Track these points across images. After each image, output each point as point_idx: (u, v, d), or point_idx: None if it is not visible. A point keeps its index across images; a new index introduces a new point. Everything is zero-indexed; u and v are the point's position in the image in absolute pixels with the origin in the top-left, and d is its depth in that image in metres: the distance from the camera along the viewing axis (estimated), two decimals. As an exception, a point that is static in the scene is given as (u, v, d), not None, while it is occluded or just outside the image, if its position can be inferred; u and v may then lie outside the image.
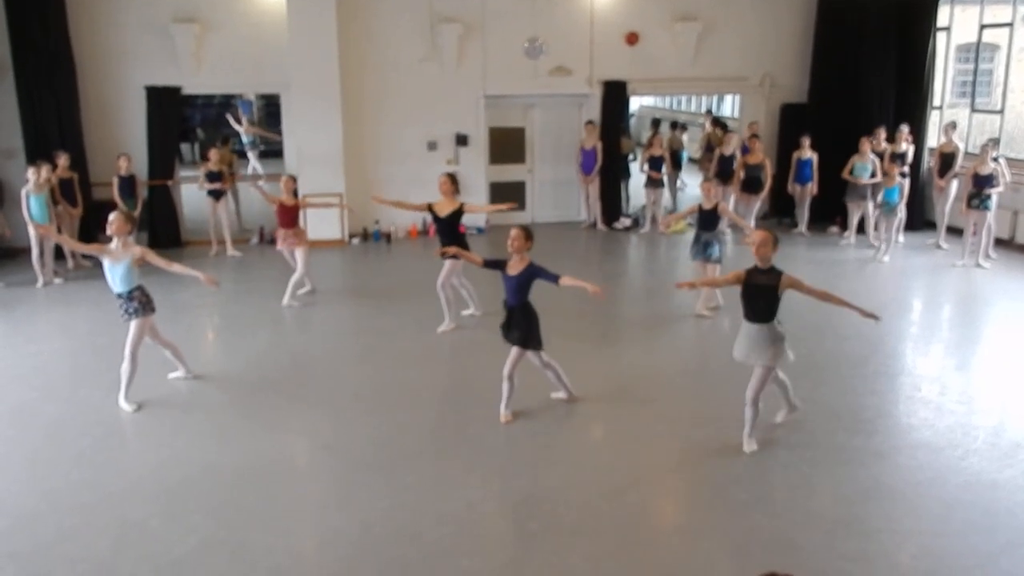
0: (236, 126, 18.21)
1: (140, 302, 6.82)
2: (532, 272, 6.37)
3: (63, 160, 11.23)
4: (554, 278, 6.29)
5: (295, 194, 10.09)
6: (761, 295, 5.86)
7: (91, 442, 6.42)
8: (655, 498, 5.77)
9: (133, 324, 6.84)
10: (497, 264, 6.52)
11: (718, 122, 16.88)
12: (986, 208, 11.11)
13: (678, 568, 4.87)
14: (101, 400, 7.18)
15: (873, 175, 12.41)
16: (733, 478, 5.86)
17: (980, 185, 11.06)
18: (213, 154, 12.60)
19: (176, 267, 6.90)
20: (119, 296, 6.82)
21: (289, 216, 9.74)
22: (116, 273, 6.73)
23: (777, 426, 6.52)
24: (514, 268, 6.40)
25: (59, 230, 10.75)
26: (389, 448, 6.31)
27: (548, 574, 4.79)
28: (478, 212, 8.82)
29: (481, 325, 8.98)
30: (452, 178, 8.73)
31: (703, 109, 22.03)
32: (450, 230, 8.64)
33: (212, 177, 12.31)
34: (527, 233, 6.41)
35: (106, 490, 5.75)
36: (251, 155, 18.61)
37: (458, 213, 8.65)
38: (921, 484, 5.73)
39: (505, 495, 5.69)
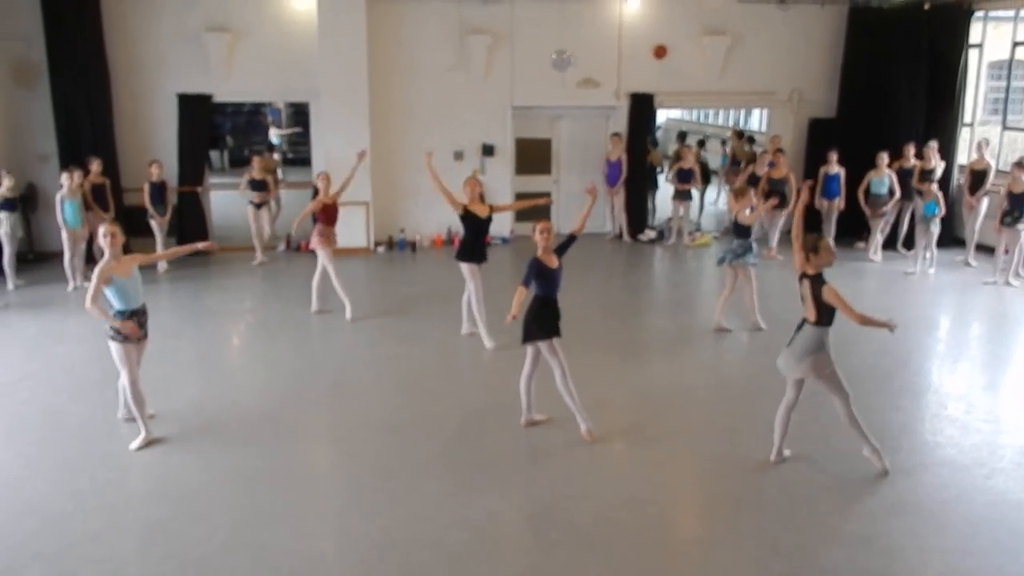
0: (277, 132, 18.30)
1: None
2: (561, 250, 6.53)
3: (96, 166, 11.41)
4: (572, 237, 6.66)
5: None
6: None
7: (118, 444, 6.50)
8: (674, 509, 5.75)
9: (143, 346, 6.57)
10: (532, 270, 6.40)
11: (742, 135, 16.81)
12: (1019, 225, 11.00)
13: (697, 581, 4.85)
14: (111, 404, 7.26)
15: (891, 191, 12.39)
16: (754, 491, 5.82)
17: (1015, 203, 10.95)
18: (256, 162, 12.64)
19: (168, 251, 6.51)
20: (141, 312, 6.43)
21: (330, 213, 9.54)
22: (138, 284, 6.38)
23: (801, 440, 6.46)
24: (555, 261, 6.42)
25: (90, 236, 10.90)
26: (409, 456, 6.33)
27: (566, 583, 4.79)
28: (507, 211, 8.48)
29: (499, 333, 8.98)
30: (476, 182, 8.66)
31: (730, 123, 21.96)
32: (484, 235, 8.55)
33: (255, 186, 12.40)
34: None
35: (131, 491, 5.84)
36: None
37: (490, 218, 8.58)
38: (947, 502, 5.66)
39: (524, 504, 5.69)
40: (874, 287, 11.37)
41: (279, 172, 14.70)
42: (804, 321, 5.86)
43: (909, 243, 13.01)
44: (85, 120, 12.18)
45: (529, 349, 6.55)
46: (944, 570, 4.93)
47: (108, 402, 7.26)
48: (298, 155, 19.02)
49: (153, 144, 12.74)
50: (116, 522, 5.41)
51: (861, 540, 5.20)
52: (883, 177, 12.44)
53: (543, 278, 6.37)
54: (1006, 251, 11.29)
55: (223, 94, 13.18)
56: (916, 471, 6.09)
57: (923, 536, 5.26)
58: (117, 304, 6.27)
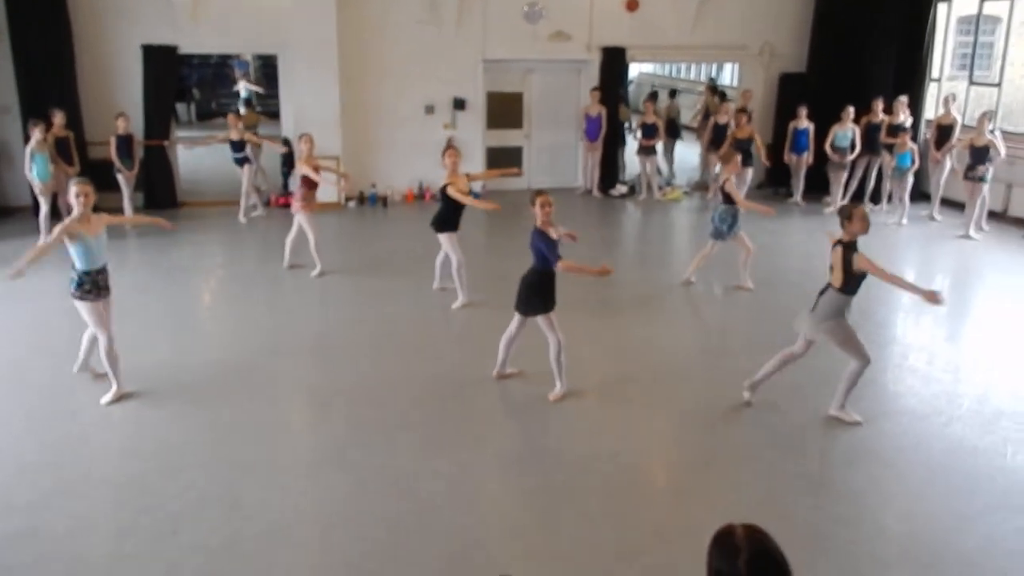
0: (245, 85, 18.00)
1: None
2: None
3: (59, 118, 11.14)
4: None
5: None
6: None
7: (87, 399, 6.49)
8: (647, 460, 5.87)
9: (109, 302, 6.40)
10: (545, 242, 6.26)
11: (715, 90, 16.82)
12: (982, 180, 11.18)
13: (667, 526, 4.99)
14: (98, 357, 7.24)
15: (853, 144, 12.52)
16: (723, 441, 5.97)
17: (976, 157, 11.11)
18: (232, 120, 12.34)
19: (131, 218, 6.24)
20: (101, 272, 6.26)
21: (312, 181, 9.46)
22: (101, 245, 6.23)
23: (770, 390, 6.60)
24: (555, 233, 6.30)
25: (55, 191, 10.75)
26: (384, 408, 6.39)
27: (540, 530, 4.90)
28: (480, 180, 8.28)
29: (479, 291, 9.02)
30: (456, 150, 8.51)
31: (703, 77, 21.94)
32: (462, 207, 8.39)
33: (236, 147, 12.16)
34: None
35: (103, 446, 5.85)
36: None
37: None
38: (906, 449, 5.84)
39: (498, 456, 5.78)
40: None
41: (258, 125, 14.42)
42: (828, 286, 5.92)
43: (876, 198, 13.18)
44: (46, 71, 11.87)
45: (517, 315, 6.52)
46: (902, 515, 5.10)
47: (76, 357, 7.23)
48: (267, 108, 18.70)
49: (118, 96, 12.49)
50: (89, 476, 5.43)
51: (825, 487, 5.38)
52: (847, 130, 12.58)
53: (550, 250, 6.20)
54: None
55: (189, 46, 12.90)
56: (878, 420, 6.26)
57: (883, 482, 5.44)
58: (80, 264, 6.16)
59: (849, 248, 5.79)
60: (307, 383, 6.97)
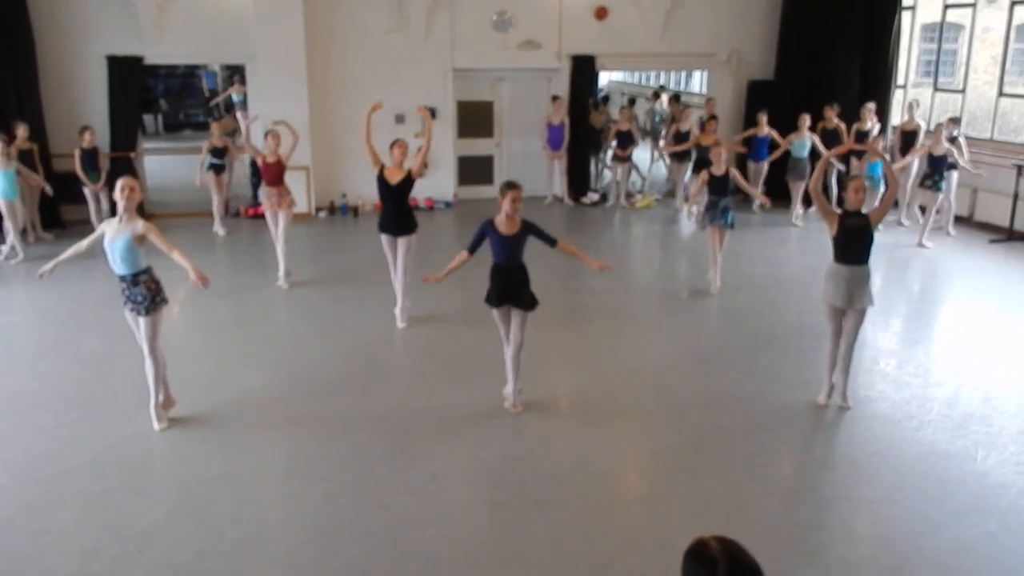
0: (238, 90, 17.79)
1: (149, 290, 5.90)
2: (529, 230, 6.15)
3: (22, 131, 10.97)
4: (552, 240, 6.14)
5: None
6: (860, 235, 6.16)
7: (52, 417, 6.36)
8: (617, 469, 5.85)
9: (143, 322, 5.92)
10: (482, 235, 6.16)
11: (678, 98, 16.91)
12: (938, 189, 11.15)
13: (638, 535, 4.97)
14: (62, 373, 7.12)
15: (813, 152, 12.30)
16: (693, 448, 5.96)
17: (935, 166, 11.09)
18: (215, 128, 12.25)
19: (176, 254, 5.82)
20: (121, 280, 5.89)
21: (272, 173, 9.34)
22: (115, 250, 5.80)
23: (736, 399, 6.61)
24: (512, 228, 6.09)
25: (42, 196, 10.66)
26: (352, 421, 6.32)
27: (512, 541, 4.86)
28: (419, 163, 7.86)
29: (442, 300, 8.98)
30: (406, 146, 8.11)
31: (672, 85, 22.06)
32: (402, 201, 8.00)
33: (216, 153, 12.05)
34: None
35: (68, 463, 5.71)
36: (241, 116, 18.26)
37: (408, 182, 7.97)
38: (876, 454, 5.87)
39: (471, 466, 5.74)
40: (808, 247, 11.60)
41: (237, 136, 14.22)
42: (861, 258, 6.23)
43: (840, 202, 13.19)
44: (8, 83, 11.66)
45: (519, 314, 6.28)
46: (872, 519, 5.13)
47: (42, 374, 7.11)
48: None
49: (83, 108, 12.34)
50: (54, 493, 5.31)
51: (795, 492, 5.39)
52: (804, 139, 12.43)
53: (495, 244, 6.13)
54: (937, 211, 11.57)
55: (155, 56, 12.78)
56: (849, 425, 6.30)
57: (853, 487, 5.46)
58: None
59: (846, 218, 6.22)
60: (274, 394, 6.88)
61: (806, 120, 12.48)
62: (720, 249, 9.23)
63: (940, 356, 7.87)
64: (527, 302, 6.21)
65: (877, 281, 10.35)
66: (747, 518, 5.05)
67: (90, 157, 11.41)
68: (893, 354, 7.80)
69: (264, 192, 9.52)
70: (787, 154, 12.61)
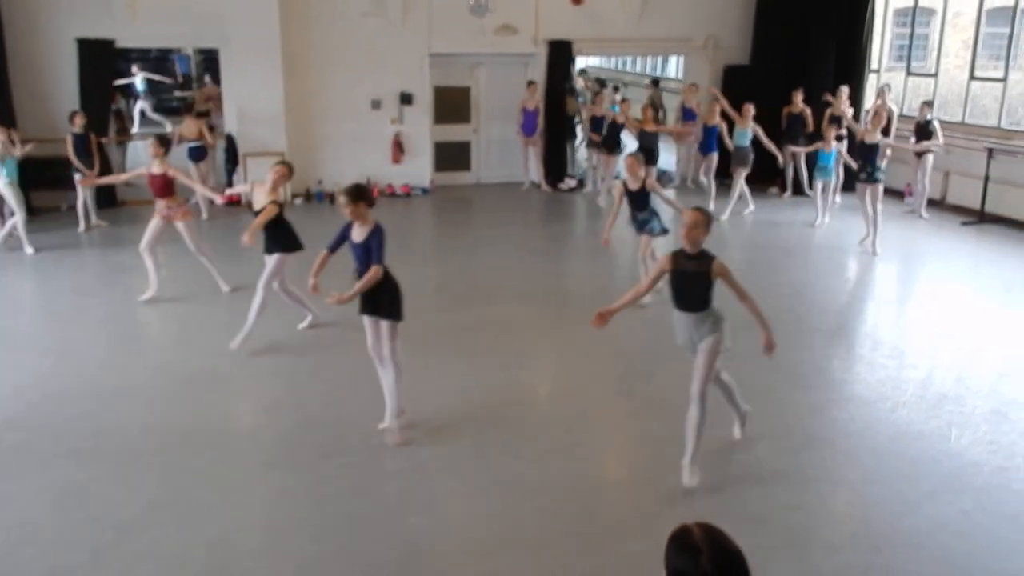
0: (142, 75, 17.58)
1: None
2: (378, 237, 5.58)
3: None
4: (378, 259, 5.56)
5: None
6: (692, 283, 5.08)
7: (24, 407, 6.28)
8: (597, 454, 5.88)
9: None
10: (343, 237, 5.75)
11: (656, 83, 16.88)
12: (875, 181, 10.29)
13: (619, 519, 4.99)
14: (36, 364, 7.03)
15: (755, 140, 11.94)
16: (671, 433, 5.97)
17: (866, 156, 10.29)
18: (190, 124, 12.03)
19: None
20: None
21: (157, 186, 8.42)
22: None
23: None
24: (359, 236, 5.64)
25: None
26: (334, 409, 6.30)
27: (494, 530, 4.87)
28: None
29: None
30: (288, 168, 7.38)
31: (648, 71, 22.11)
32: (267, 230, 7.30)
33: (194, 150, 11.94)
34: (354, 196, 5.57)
35: (42, 453, 5.64)
36: (144, 105, 17.88)
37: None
38: (853, 435, 5.95)
39: (454, 454, 5.74)
40: (783, 234, 11.68)
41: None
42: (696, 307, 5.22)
43: (808, 187, 13.23)
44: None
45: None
46: (851, 499, 5.20)
47: (15, 363, 7.01)
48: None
49: (53, 93, 12.13)
50: (28, 484, 5.24)
51: (775, 475, 5.43)
52: (746, 129, 12.01)
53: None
54: (909, 194, 11.65)
55: (127, 39, 12.55)
56: (826, 407, 6.37)
57: (832, 468, 5.53)
58: None
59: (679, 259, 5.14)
60: (257, 386, 6.84)
61: (750, 109, 12.04)
62: (650, 256, 8.41)
63: (914, 338, 7.97)
64: (380, 309, 5.75)
65: (852, 265, 10.47)
66: (728, 501, 5.09)
67: (83, 142, 11.13)
68: (868, 336, 7.89)
69: (157, 205, 8.59)
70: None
